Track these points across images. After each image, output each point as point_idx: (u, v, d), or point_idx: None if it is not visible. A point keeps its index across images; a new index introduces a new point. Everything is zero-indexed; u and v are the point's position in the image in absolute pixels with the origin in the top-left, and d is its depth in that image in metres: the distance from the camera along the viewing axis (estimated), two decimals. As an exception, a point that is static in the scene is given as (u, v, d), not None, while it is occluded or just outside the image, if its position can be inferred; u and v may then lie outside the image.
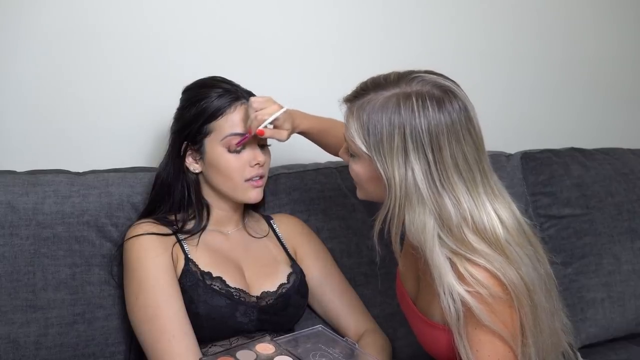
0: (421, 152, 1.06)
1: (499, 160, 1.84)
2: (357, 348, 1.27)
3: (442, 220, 1.08)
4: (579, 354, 1.32)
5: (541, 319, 1.10)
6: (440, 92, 1.09)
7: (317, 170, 1.68)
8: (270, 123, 1.31)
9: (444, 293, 1.07)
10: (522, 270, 1.08)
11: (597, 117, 2.28)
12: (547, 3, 2.16)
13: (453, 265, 1.08)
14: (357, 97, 1.13)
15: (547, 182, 1.84)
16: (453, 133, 1.07)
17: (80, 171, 1.52)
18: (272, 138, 1.35)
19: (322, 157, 1.62)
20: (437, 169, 1.07)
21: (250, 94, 1.40)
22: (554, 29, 2.17)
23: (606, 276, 1.79)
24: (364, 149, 1.11)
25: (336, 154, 1.49)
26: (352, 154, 1.16)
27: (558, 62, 2.19)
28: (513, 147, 1.94)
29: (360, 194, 1.22)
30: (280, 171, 1.65)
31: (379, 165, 1.09)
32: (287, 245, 1.49)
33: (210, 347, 1.30)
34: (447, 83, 1.11)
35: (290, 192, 1.63)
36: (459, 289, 1.06)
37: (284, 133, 1.35)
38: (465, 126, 1.08)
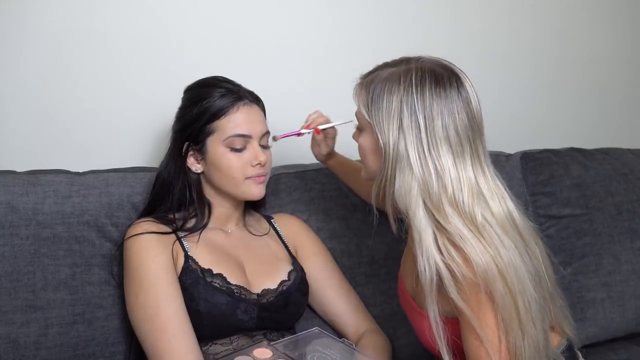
0: (414, 118, 1.12)
1: (499, 160, 1.83)
2: (354, 348, 1.27)
3: (425, 186, 1.12)
4: (580, 354, 1.32)
5: (529, 309, 1.10)
6: (442, 70, 1.15)
7: (318, 170, 1.68)
8: (324, 130, 1.46)
9: (422, 255, 1.11)
10: (500, 253, 1.09)
11: (596, 117, 2.28)
12: (548, 3, 2.16)
13: (435, 237, 1.11)
14: (369, 74, 1.21)
15: (547, 182, 1.84)
16: (447, 106, 1.12)
17: (80, 171, 1.53)
18: (315, 144, 1.50)
19: (322, 157, 1.62)
20: (427, 136, 1.12)
21: (251, 94, 1.40)
22: (554, 28, 2.17)
23: (606, 276, 1.79)
24: (367, 117, 1.17)
25: (360, 192, 1.59)
26: (360, 128, 1.22)
27: (558, 61, 2.19)
28: (513, 147, 1.95)
29: (363, 174, 1.25)
30: (281, 171, 1.65)
31: (377, 131, 1.15)
32: (288, 244, 1.50)
33: (210, 346, 1.31)
34: (452, 66, 1.18)
35: (290, 192, 1.63)
36: (436, 256, 1.10)
37: (325, 148, 1.50)
38: (462, 105, 1.13)
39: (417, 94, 1.12)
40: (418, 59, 1.18)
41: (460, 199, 1.12)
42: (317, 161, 1.71)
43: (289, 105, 1.65)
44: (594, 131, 2.23)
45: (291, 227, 1.53)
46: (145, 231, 1.33)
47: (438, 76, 1.14)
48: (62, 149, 1.62)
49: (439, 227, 1.11)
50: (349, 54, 1.87)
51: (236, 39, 1.75)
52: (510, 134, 2.06)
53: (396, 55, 1.23)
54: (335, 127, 1.48)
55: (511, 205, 1.17)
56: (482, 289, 1.08)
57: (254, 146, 1.37)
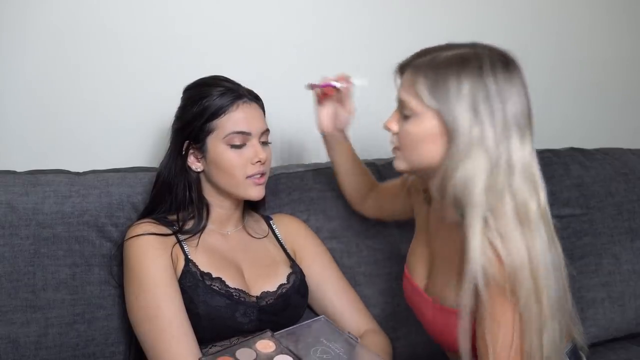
0: (488, 102, 1.09)
1: (499, 160, 1.83)
2: (358, 343, 1.27)
3: (494, 172, 1.09)
4: (584, 356, 1.31)
5: (551, 304, 1.09)
6: (505, 55, 1.15)
7: (317, 170, 1.68)
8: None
9: (471, 248, 1.08)
10: (536, 247, 1.08)
11: (596, 117, 2.28)
12: (549, 2, 2.16)
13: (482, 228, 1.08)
14: (418, 57, 1.16)
15: (547, 182, 1.82)
16: (516, 91, 1.11)
17: (80, 171, 1.53)
18: (326, 108, 1.44)
19: (322, 157, 1.62)
20: (502, 120, 1.09)
21: (251, 93, 1.40)
22: (553, 28, 2.17)
23: (606, 276, 1.79)
24: (428, 101, 1.11)
25: (352, 195, 1.56)
26: (408, 114, 1.15)
27: (558, 62, 2.19)
28: (513, 147, 1.94)
29: (402, 165, 1.19)
30: (280, 171, 1.65)
31: (445, 115, 1.10)
32: (286, 246, 1.50)
33: (210, 348, 1.30)
34: (505, 51, 1.17)
35: (290, 192, 1.63)
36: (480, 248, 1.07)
37: (339, 121, 1.45)
38: (523, 89, 1.14)
39: (490, 77, 1.09)
40: (475, 44, 1.15)
41: (520, 187, 1.10)
42: (316, 161, 1.72)
43: (289, 104, 1.65)
44: (594, 131, 2.23)
45: (290, 228, 1.53)
46: (145, 232, 1.33)
47: (504, 61, 1.13)
48: (62, 149, 1.62)
49: (490, 218, 1.08)
50: (350, 53, 1.87)
51: (236, 40, 1.75)
52: (510, 134, 2.06)
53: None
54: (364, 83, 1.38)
55: (545, 196, 1.16)
56: (506, 292, 1.07)
57: (253, 143, 1.37)
